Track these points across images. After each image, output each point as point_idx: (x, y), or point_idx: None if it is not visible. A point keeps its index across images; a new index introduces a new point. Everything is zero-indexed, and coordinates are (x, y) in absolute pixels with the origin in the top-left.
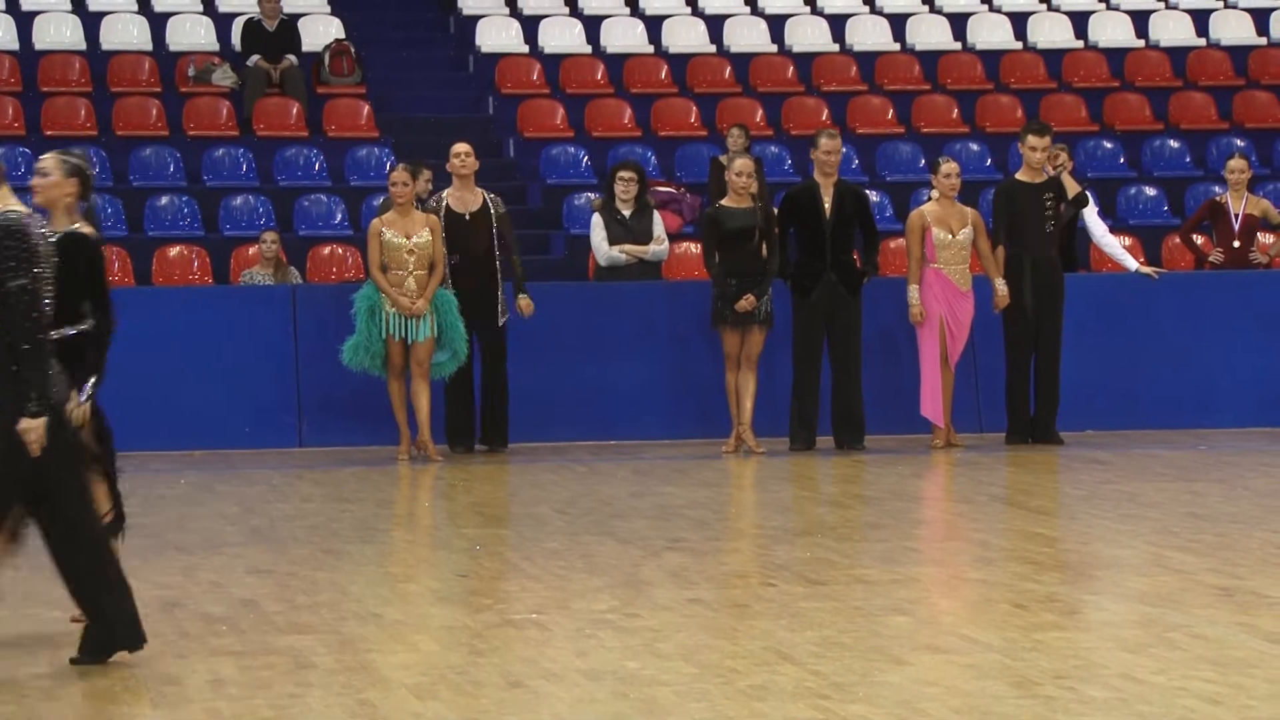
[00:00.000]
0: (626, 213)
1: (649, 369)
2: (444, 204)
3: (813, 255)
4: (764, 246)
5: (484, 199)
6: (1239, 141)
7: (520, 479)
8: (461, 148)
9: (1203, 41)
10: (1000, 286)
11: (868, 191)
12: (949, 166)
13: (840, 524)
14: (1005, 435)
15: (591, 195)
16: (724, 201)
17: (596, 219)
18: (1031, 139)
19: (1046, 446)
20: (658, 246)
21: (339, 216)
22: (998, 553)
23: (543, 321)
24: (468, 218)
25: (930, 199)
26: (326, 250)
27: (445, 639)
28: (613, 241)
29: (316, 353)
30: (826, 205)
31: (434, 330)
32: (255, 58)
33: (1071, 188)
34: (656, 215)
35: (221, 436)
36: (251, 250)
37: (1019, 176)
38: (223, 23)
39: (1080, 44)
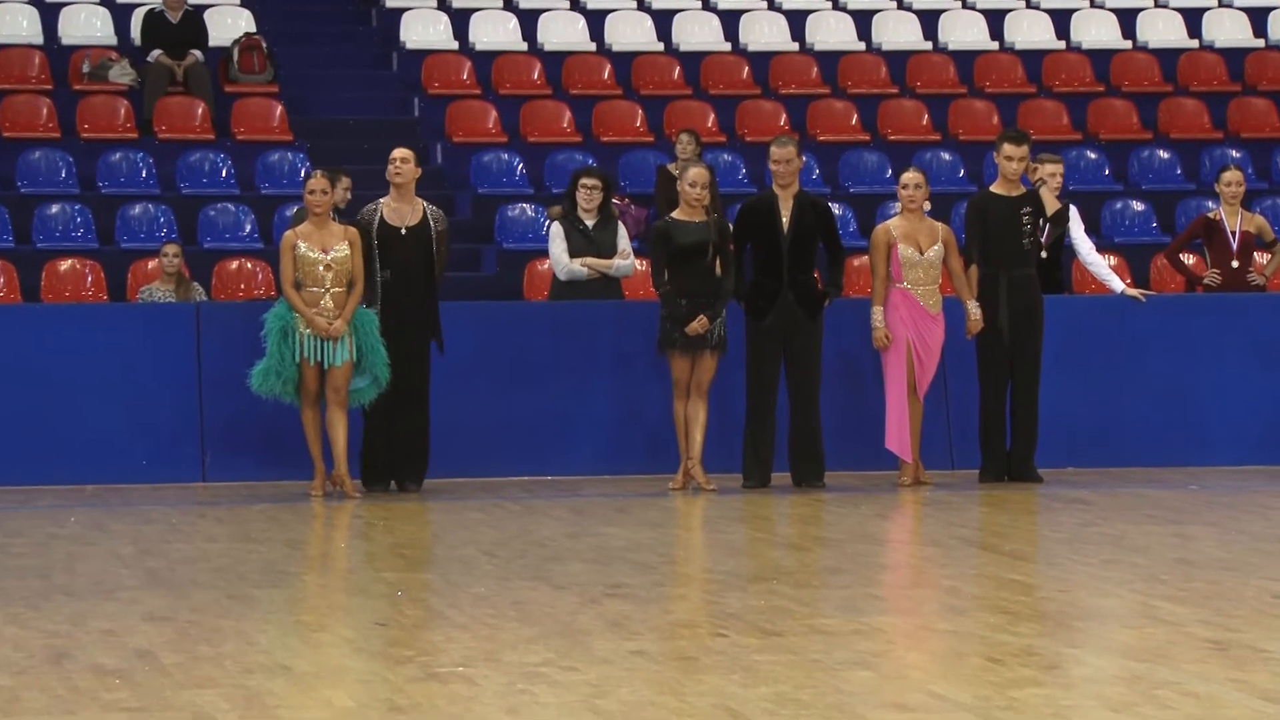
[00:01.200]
0: (589, 223)
1: (589, 397)
2: (379, 214)
3: (768, 274)
4: (718, 264)
5: (424, 212)
6: (1234, 152)
7: (445, 518)
8: (398, 153)
9: (1195, 43)
10: (973, 309)
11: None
12: (908, 176)
13: (798, 569)
14: (979, 472)
15: (527, 206)
16: (674, 214)
17: (556, 229)
18: (1008, 148)
19: (1024, 485)
20: (623, 260)
21: (248, 228)
22: (970, 601)
23: (472, 345)
24: (403, 232)
25: (898, 213)
26: (234, 265)
27: (362, 694)
28: (574, 254)
29: (222, 378)
30: (784, 218)
31: (353, 353)
32: (157, 53)
33: (1051, 205)
34: (621, 227)
35: (116, 469)
36: (151, 264)
37: (994, 189)
38: (121, 14)
39: (1062, 44)
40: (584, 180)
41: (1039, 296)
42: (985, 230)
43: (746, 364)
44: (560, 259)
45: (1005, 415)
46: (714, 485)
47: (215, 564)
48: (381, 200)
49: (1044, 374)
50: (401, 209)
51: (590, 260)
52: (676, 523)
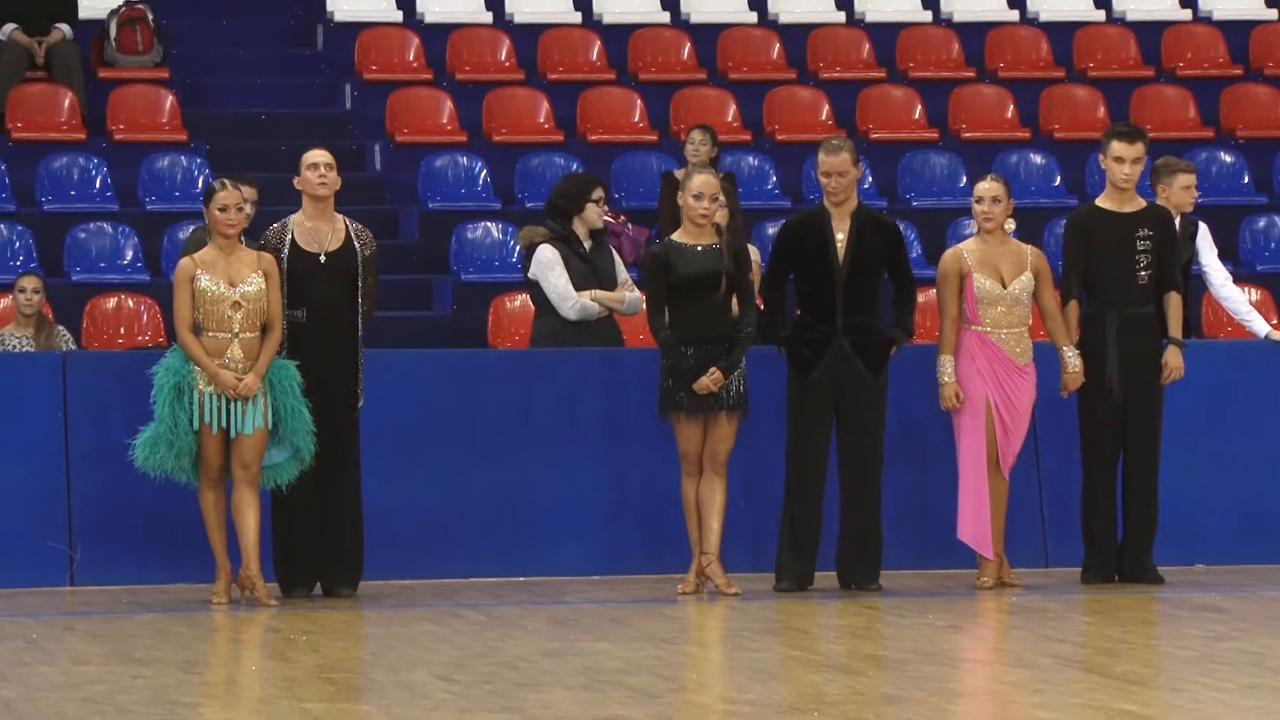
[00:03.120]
0: (586, 246)
1: (572, 475)
2: (289, 237)
3: (817, 314)
4: (734, 299)
5: (346, 232)
6: None
7: (387, 632)
8: (319, 157)
9: None
10: (1072, 359)
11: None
12: (985, 186)
13: (846, 697)
14: (1081, 571)
15: (492, 225)
16: (676, 235)
17: (551, 254)
18: (1118, 147)
19: (1139, 586)
20: (631, 293)
21: (130, 254)
22: None
23: (420, 406)
24: (322, 259)
25: (973, 233)
26: (111, 302)
27: None
28: (577, 285)
29: (97, 450)
30: (839, 242)
31: (267, 419)
32: (10, 27)
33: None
34: (614, 250)
35: None
36: (3, 303)
37: (1100, 202)
38: None
39: (1188, 14)
40: (597, 192)
41: (1158, 342)
42: (1089, 256)
43: (788, 431)
44: (567, 292)
45: (1115, 497)
46: (736, 588)
47: (87, 692)
48: (291, 218)
49: (1165, 443)
50: (319, 229)
51: (599, 294)
52: (688, 637)
